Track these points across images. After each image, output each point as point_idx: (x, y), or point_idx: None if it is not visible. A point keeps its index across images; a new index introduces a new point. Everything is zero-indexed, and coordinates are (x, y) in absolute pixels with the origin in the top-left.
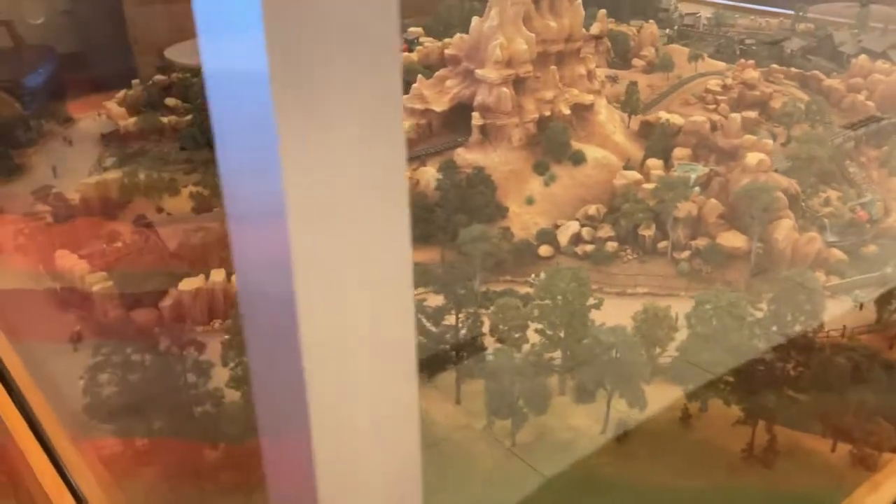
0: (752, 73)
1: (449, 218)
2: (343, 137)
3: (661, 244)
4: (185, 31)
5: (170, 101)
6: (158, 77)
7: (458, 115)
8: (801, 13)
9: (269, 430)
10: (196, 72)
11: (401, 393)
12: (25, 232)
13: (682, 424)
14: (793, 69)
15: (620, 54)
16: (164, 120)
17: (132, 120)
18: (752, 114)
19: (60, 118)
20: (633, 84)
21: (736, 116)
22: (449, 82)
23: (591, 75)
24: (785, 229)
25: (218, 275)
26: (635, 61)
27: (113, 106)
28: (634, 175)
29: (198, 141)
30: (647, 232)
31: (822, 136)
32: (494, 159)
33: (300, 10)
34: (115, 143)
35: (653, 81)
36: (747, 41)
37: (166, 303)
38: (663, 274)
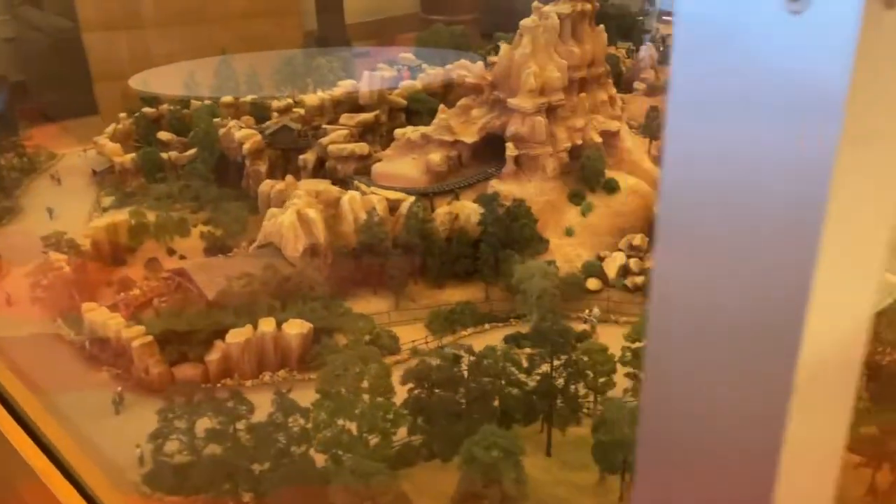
0: None
1: (494, 253)
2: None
3: None
4: (148, 59)
5: (163, 136)
6: (147, 109)
7: (487, 146)
8: None
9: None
10: (186, 103)
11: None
12: (44, 283)
13: None
14: None
15: (613, 77)
16: (165, 156)
17: (129, 156)
18: None
19: (14, 149)
20: (655, 108)
21: None
22: (475, 112)
23: (612, 101)
24: None
25: (267, 324)
26: (637, 84)
27: (105, 141)
28: None
29: (205, 177)
30: None
31: None
32: (530, 190)
33: None
34: (111, 180)
35: (657, 104)
36: None
37: (213, 356)
38: None
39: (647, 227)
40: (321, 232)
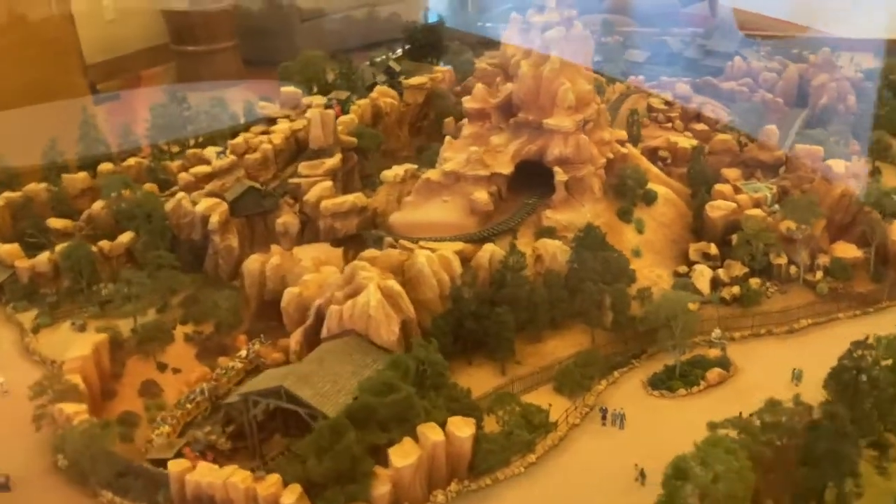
0: (684, 87)
1: (595, 292)
2: None
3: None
4: None
5: (57, 223)
6: (9, 194)
7: (518, 173)
8: None
9: None
10: (55, 176)
11: None
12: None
13: None
14: None
15: None
16: (95, 248)
17: (42, 257)
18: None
19: None
20: (634, 111)
21: (773, 128)
22: (496, 140)
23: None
24: None
25: (433, 431)
26: None
27: None
28: (729, 205)
29: (171, 265)
30: (781, 260)
31: None
32: (586, 216)
33: None
34: (16, 291)
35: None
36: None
37: (381, 490)
38: (808, 300)
39: (690, 234)
40: (409, 305)
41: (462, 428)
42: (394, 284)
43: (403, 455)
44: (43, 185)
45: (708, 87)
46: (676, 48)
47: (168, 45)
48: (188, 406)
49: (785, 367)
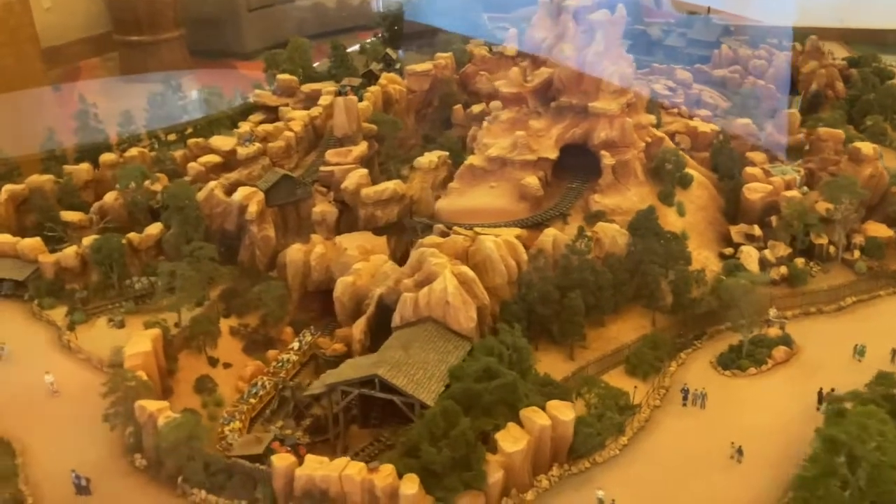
0: (684, 74)
1: (656, 276)
2: None
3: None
4: None
5: (71, 216)
6: (11, 186)
7: (561, 157)
8: None
9: None
10: (57, 168)
11: None
12: None
13: None
14: None
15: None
16: (125, 241)
17: (68, 251)
18: None
19: None
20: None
21: (795, 111)
22: (536, 124)
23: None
24: None
25: (538, 415)
26: None
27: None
28: (766, 187)
29: (212, 257)
30: (822, 240)
31: None
32: (633, 199)
33: None
34: (40, 288)
35: None
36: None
37: (494, 477)
38: (850, 279)
39: (723, 217)
40: (483, 291)
41: (564, 412)
42: (467, 270)
43: (513, 440)
44: (46, 177)
45: (700, 74)
46: (656, 36)
47: (111, 34)
48: (252, 401)
49: (842, 344)
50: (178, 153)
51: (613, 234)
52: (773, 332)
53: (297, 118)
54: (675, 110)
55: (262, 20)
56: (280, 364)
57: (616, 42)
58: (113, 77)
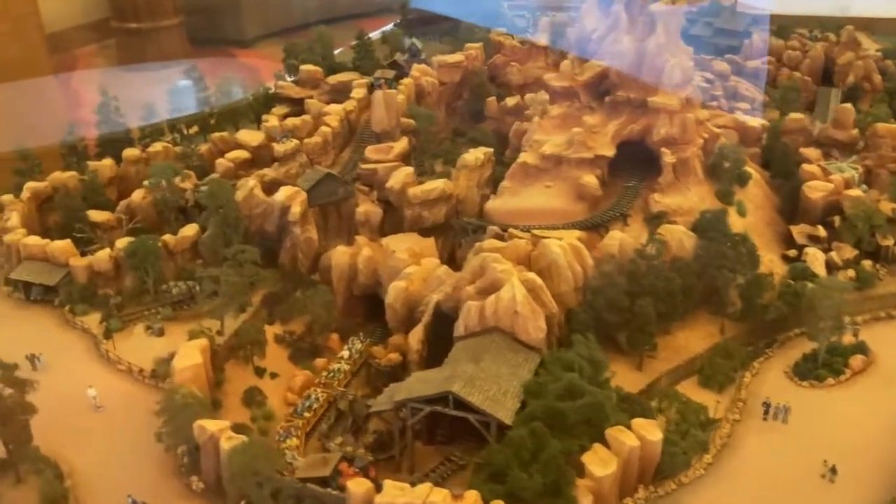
0: (722, 65)
1: (726, 280)
2: None
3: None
4: None
5: (98, 216)
6: (33, 184)
7: (618, 155)
8: None
9: None
10: (81, 165)
11: None
12: None
13: None
14: None
15: None
16: (159, 244)
17: (101, 254)
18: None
19: None
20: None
21: (848, 107)
22: (590, 120)
23: None
24: None
25: (626, 436)
26: None
27: (23, 238)
28: (826, 185)
29: (254, 261)
30: (888, 241)
31: None
32: (693, 199)
33: None
34: (80, 292)
35: None
36: None
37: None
38: None
39: (779, 216)
40: (551, 299)
41: (652, 431)
42: (535, 278)
43: (601, 463)
44: (69, 174)
45: (733, 65)
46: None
47: (108, 20)
48: (307, 415)
49: None
50: (203, 147)
51: (680, 237)
52: (847, 339)
53: (333, 112)
54: (715, 104)
55: (262, 8)
56: (331, 374)
57: (676, 34)
58: (113, 66)
